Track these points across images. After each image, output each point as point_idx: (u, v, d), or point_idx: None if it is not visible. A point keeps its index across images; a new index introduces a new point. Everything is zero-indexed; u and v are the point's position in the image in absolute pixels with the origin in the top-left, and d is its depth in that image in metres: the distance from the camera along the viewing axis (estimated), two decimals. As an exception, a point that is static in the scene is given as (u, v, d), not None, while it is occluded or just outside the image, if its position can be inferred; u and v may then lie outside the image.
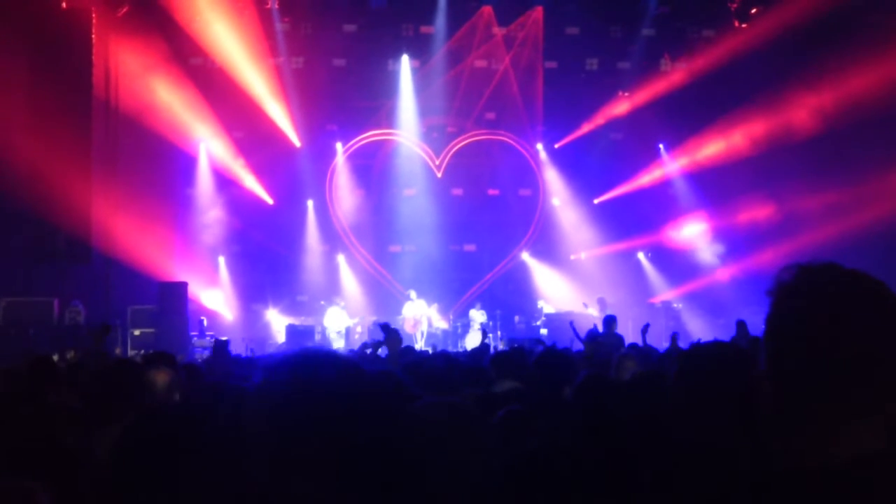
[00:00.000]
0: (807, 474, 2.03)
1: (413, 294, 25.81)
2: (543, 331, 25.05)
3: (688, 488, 2.94)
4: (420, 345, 23.12)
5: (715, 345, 3.63)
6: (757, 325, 14.95)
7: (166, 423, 3.84)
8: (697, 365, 3.42)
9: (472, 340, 23.16)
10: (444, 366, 7.41)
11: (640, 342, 14.41)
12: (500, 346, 21.76)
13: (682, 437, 3.19)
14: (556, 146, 29.17)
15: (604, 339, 16.10)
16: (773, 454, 2.14)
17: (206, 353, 20.15)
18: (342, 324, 24.85)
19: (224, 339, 19.11)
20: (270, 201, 26.93)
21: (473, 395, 6.28)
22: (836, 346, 2.06)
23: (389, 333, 9.40)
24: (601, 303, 24.66)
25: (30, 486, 3.28)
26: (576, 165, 28.51)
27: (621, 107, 28.49)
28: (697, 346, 3.71)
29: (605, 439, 3.14)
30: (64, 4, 21.75)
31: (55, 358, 14.90)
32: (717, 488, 2.72)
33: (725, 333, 17.50)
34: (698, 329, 24.05)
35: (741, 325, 16.41)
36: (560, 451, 3.11)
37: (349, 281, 27.70)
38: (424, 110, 28.20)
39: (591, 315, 23.84)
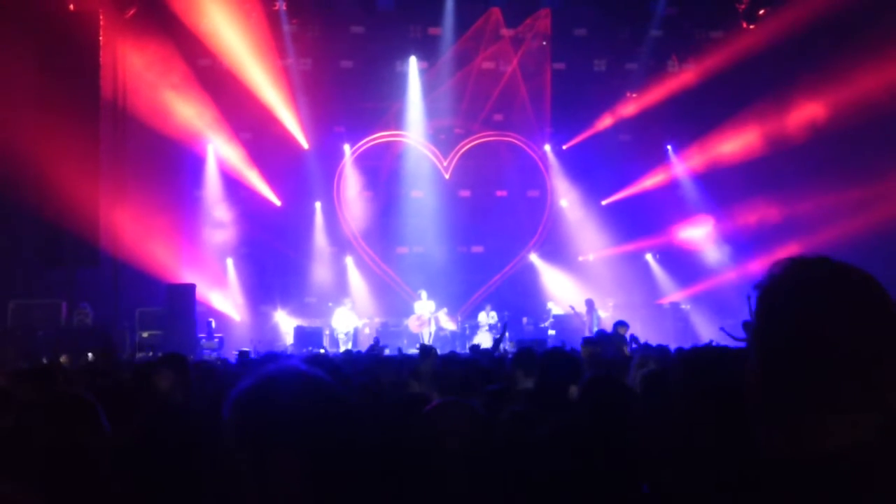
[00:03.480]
0: (790, 464, 2.04)
1: (424, 294, 25.86)
2: (551, 332, 25.07)
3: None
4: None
5: (716, 349, 3.61)
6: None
7: (171, 425, 3.86)
8: (698, 369, 3.40)
9: (481, 342, 23.12)
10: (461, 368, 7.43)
11: (650, 343, 14.41)
12: (509, 348, 21.78)
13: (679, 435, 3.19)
14: (564, 147, 29.19)
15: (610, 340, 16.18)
16: (759, 444, 2.15)
17: (214, 355, 20.20)
18: (350, 325, 24.87)
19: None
20: (278, 203, 26.96)
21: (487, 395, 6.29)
22: (821, 340, 2.06)
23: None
24: (589, 304, 24.70)
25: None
26: (584, 166, 28.48)
27: (629, 108, 28.49)
28: (697, 350, 3.69)
29: (612, 435, 3.13)
30: (71, 6, 21.77)
31: (63, 360, 14.94)
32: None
33: (733, 334, 17.48)
34: (706, 330, 24.04)
35: (749, 326, 16.40)
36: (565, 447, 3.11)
37: (357, 282, 27.72)
38: (432, 112, 28.22)
39: (580, 316, 23.98)
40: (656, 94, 27.78)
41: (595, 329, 22.34)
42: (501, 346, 15.70)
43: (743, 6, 26.75)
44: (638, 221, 27.89)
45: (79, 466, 3.37)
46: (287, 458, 2.36)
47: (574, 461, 3.06)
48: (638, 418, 3.57)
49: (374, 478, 2.73)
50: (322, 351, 22.64)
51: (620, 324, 18.22)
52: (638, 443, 3.15)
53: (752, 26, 26.65)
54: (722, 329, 16.39)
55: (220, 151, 26.35)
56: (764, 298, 2.24)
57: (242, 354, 15.99)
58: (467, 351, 19.97)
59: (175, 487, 3.66)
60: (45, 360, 15.28)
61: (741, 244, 27.78)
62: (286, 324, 25.92)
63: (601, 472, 3.02)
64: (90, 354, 15.19)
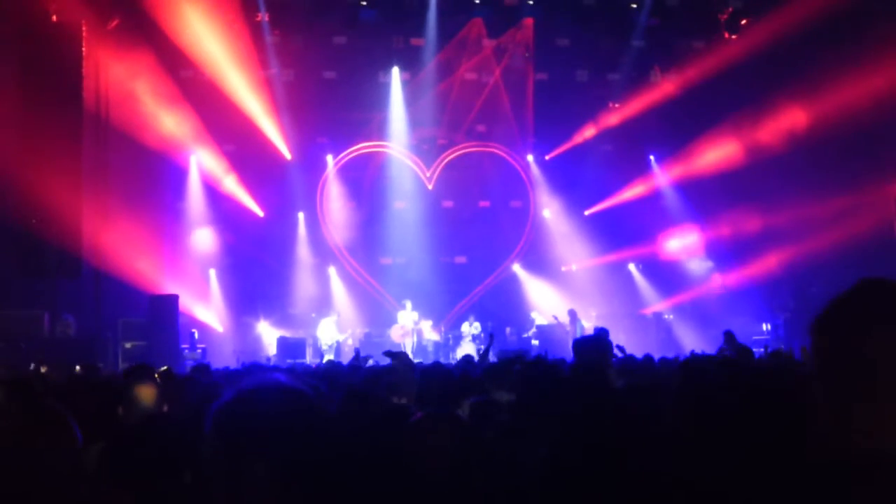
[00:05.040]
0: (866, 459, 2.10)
1: (409, 304, 25.85)
2: (535, 342, 25.08)
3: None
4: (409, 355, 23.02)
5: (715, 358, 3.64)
6: (747, 335, 14.99)
7: (154, 436, 3.85)
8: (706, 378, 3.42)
9: (465, 353, 23.10)
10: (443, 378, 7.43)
11: (636, 354, 14.41)
12: (491, 358, 21.73)
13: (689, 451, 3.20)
14: (547, 158, 29.23)
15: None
16: (831, 444, 2.21)
17: (196, 361, 20.18)
18: (333, 337, 24.81)
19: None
20: (261, 214, 26.92)
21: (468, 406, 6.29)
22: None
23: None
24: (572, 314, 24.74)
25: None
26: (566, 177, 28.53)
27: (612, 118, 28.54)
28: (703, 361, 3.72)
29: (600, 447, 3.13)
30: (54, 18, 21.68)
31: (43, 370, 14.89)
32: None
33: (716, 344, 17.52)
34: (689, 340, 24.09)
35: (729, 335, 16.44)
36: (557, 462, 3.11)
37: (340, 293, 27.67)
38: (415, 122, 28.23)
39: (563, 326, 24.05)
40: (639, 104, 27.82)
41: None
42: (489, 356, 15.66)
43: (725, 16, 26.84)
44: (621, 231, 27.93)
45: (48, 480, 3.36)
46: (265, 470, 2.38)
47: (573, 480, 3.06)
48: (629, 427, 3.58)
49: (354, 490, 2.75)
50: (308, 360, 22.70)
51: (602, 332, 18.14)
52: (635, 452, 3.16)
53: (734, 36, 26.75)
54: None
55: (203, 162, 26.33)
56: (835, 315, 2.28)
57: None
58: (452, 362, 19.96)
59: (153, 499, 3.66)
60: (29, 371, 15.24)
61: (724, 254, 27.88)
62: (269, 335, 25.84)
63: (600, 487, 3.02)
64: (77, 367, 15.11)
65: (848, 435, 2.17)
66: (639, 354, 12.72)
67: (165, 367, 11.59)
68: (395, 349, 23.88)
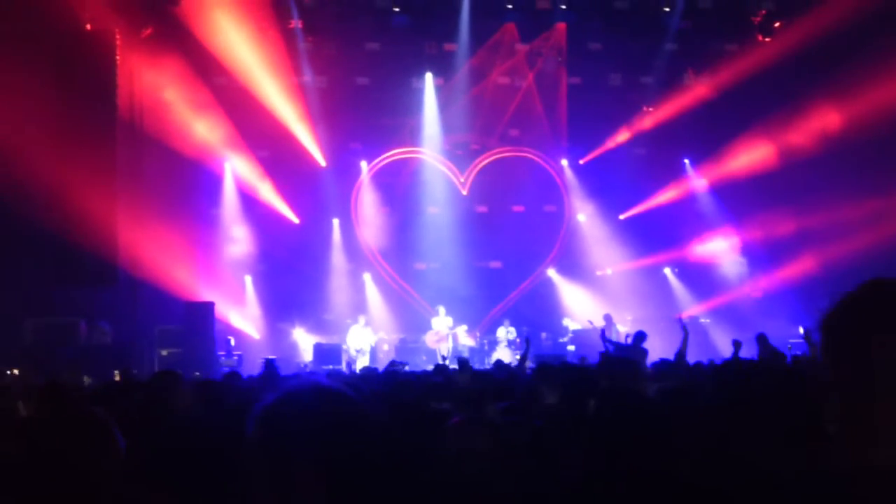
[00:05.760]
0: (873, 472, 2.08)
1: (442, 310, 25.82)
2: (571, 347, 25.02)
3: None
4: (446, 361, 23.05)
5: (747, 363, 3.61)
6: (783, 339, 14.88)
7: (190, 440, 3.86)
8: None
9: (500, 358, 23.05)
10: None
11: (669, 357, 14.34)
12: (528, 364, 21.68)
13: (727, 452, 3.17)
14: (581, 162, 29.14)
15: (630, 353, 16.15)
16: (843, 452, 2.19)
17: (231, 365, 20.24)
18: (366, 342, 24.79)
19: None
20: (296, 220, 27.00)
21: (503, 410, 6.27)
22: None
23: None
24: (607, 319, 24.65)
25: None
26: (601, 181, 28.43)
27: (645, 122, 28.45)
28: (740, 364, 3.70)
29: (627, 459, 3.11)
30: (88, 26, 21.89)
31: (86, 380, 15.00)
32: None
33: (753, 348, 17.42)
34: (725, 344, 23.97)
35: (762, 339, 16.38)
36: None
37: (375, 299, 27.69)
38: (448, 128, 28.22)
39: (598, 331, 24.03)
40: (672, 107, 27.74)
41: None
42: (525, 363, 15.62)
43: (758, 19, 26.76)
44: (656, 235, 27.80)
45: (90, 485, 3.37)
46: (307, 472, 2.39)
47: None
48: (659, 431, 3.54)
49: (392, 492, 2.74)
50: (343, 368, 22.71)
51: (641, 334, 18.18)
52: (663, 458, 3.13)
53: (767, 39, 26.63)
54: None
55: (237, 169, 26.44)
56: (839, 315, 2.26)
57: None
58: (487, 367, 19.93)
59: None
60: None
61: (759, 257, 27.73)
62: (305, 341, 25.88)
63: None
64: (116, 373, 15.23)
65: (849, 439, 2.16)
66: (673, 358, 12.66)
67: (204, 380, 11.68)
68: (430, 356, 24.06)
